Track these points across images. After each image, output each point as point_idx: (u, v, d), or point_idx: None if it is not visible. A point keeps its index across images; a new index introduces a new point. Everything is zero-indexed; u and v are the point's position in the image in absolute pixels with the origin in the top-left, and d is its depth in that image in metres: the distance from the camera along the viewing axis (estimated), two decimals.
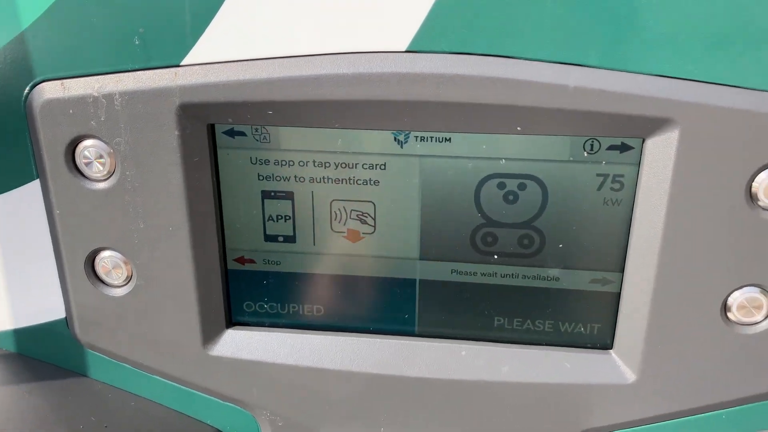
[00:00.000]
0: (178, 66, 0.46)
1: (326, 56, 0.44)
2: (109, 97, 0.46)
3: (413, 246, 0.51)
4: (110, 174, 0.49)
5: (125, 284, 0.52)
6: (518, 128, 0.45)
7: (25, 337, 0.56)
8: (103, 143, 0.48)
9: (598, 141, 0.46)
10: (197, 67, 0.46)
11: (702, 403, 0.50)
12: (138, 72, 0.46)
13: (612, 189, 0.48)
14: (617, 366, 0.51)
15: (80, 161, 0.49)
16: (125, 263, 0.52)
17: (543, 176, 0.48)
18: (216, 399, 0.55)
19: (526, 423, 0.52)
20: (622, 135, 0.45)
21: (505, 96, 0.43)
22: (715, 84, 0.42)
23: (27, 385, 0.54)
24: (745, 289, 0.47)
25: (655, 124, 0.43)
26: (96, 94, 0.46)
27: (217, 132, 0.49)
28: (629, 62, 0.42)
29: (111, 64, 0.46)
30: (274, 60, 0.45)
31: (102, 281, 0.53)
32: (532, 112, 0.43)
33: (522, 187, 0.48)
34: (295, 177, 0.50)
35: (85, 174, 0.49)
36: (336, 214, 0.51)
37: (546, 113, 0.43)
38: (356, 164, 0.49)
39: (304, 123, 0.47)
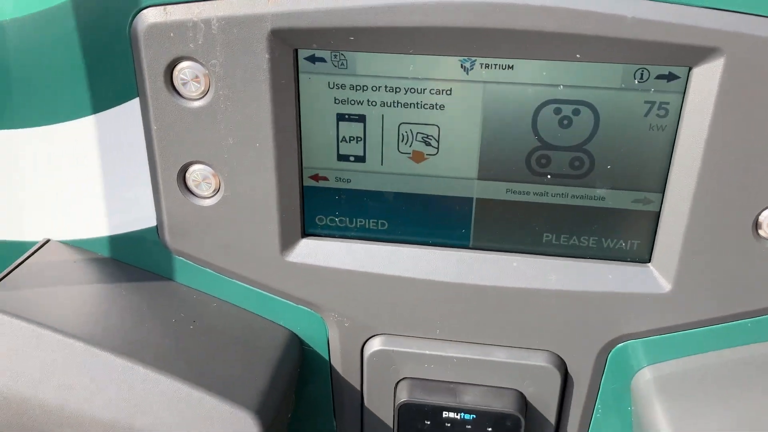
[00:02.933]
0: None
1: None
2: (207, 21, 0.51)
3: (472, 167, 0.57)
4: (204, 93, 0.54)
5: (213, 195, 0.58)
6: (577, 56, 0.50)
7: (119, 243, 0.62)
8: (199, 65, 0.53)
9: (648, 70, 0.51)
10: None
11: (730, 311, 0.55)
12: None
13: (658, 115, 0.53)
14: (654, 277, 0.56)
15: (177, 81, 0.54)
16: (214, 176, 0.57)
17: (596, 102, 0.53)
18: (289, 302, 0.62)
19: (571, 327, 0.58)
20: (671, 63, 0.50)
21: (568, 25, 0.48)
22: (761, 16, 0.46)
23: (121, 285, 0.61)
24: None
25: (701, 54, 0.48)
26: (195, 19, 0.52)
27: (299, 58, 0.54)
28: None
29: None
30: None
31: (192, 192, 0.59)
32: (592, 41, 0.48)
33: (576, 112, 0.53)
34: (368, 101, 0.56)
35: (181, 93, 0.55)
36: (403, 136, 0.57)
37: (604, 41, 0.48)
38: (424, 89, 0.54)
39: (382, 49, 0.52)
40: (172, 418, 0.54)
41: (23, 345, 0.54)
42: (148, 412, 0.54)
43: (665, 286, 0.56)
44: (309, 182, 0.59)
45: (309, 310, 0.62)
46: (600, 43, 0.48)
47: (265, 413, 0.55)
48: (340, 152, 0.58)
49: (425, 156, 0.57)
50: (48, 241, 0.63)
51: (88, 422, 0.54)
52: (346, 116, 0.57)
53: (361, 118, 0.56)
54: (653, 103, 0.52)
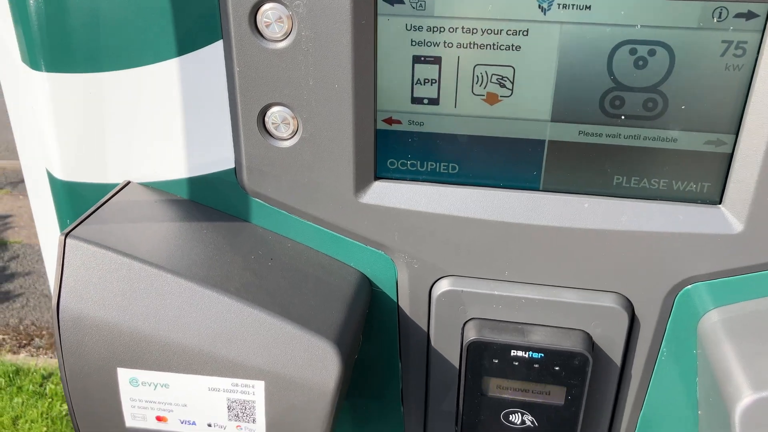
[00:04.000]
0: None
1: None
2: None
3: (546, 108, 0.58)
4: (287, 35, 0.56)
5: (291, 137, 0.60)
6: None
7: (197, 185, 0.64)
8: (282, 6, 0.55)
9: (727, 8, 0.52)
10: None
11: None
12: None
13: (734, 55, 0.53)
14: (726, 218, 0.57)
15: (261, 23, 0.56)
16: (293, 118, 0.59)
17: (672, 42, 0.53)
18: (360, 244, 0.64)
19: (639, 269, 0.59)
20: (751, 0, 0.50)
21: None
22: None
23: (200, 224, 0.63)
24: None
25: None
26: None
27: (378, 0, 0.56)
28: None
29: None
30: None
31: (270, 134, 0.61)
32: None
33: (652, 53, 0.54)
34: (444, 42, 0.57)
35: (264, 35, 0.56)
36: (478, 77, 0.58)
37: None
38: (501, 30, 0.56)
39: None
40: (254, 347, 0.56)
41: (111, 274, 0.56)
42: (230, 341, 0.56)
43: (737, 226, 0.56)
44: (382, 125, 0.61)
45: (379, 251, 0.64)
46: None
47: (343, 345, 0.57)
48: (415, 95, 0.59)
49: (499, 98, 0.58)
50: (128, 182, 0.65)
51: (172, 350, 0.56)
52: (422, 58, 0.58)
53: (437, 60, 0.58)
54: (730, 42, 0.53)
